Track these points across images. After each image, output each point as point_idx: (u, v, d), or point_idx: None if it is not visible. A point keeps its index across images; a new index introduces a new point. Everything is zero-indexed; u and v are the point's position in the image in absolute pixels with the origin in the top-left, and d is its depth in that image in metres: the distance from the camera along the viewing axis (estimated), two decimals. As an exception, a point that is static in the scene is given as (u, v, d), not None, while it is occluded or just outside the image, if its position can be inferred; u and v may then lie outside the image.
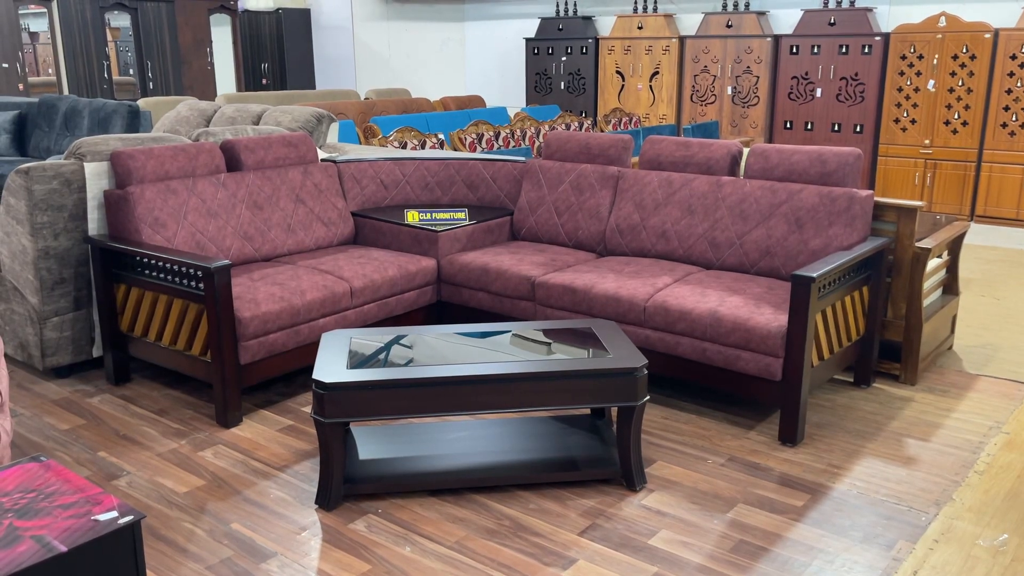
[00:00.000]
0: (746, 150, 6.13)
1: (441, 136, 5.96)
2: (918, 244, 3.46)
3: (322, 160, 4.29)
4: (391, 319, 3.79)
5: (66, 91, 9.94)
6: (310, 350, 3.42)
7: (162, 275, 3.28)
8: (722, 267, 3.63)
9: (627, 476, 2.72)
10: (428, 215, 4.12)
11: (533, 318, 3.66)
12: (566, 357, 2.74)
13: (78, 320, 3.56)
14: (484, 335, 2.97)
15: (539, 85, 9.60)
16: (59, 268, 3.47)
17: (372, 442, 2.92)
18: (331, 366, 2.62)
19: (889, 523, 2.53)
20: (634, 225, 3.87)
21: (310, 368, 3.68)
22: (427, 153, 4.74)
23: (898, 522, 2.53)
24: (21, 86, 9.35)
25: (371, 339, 2.91)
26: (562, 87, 9.39)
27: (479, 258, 3.85)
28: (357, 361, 2.69)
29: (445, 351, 2.79)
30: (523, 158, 4.43)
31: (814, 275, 2.86)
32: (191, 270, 3.15)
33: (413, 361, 2.70)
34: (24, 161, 6.97)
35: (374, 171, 4.38)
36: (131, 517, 1.76)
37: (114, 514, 1.77)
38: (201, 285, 3.12)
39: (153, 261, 3.29)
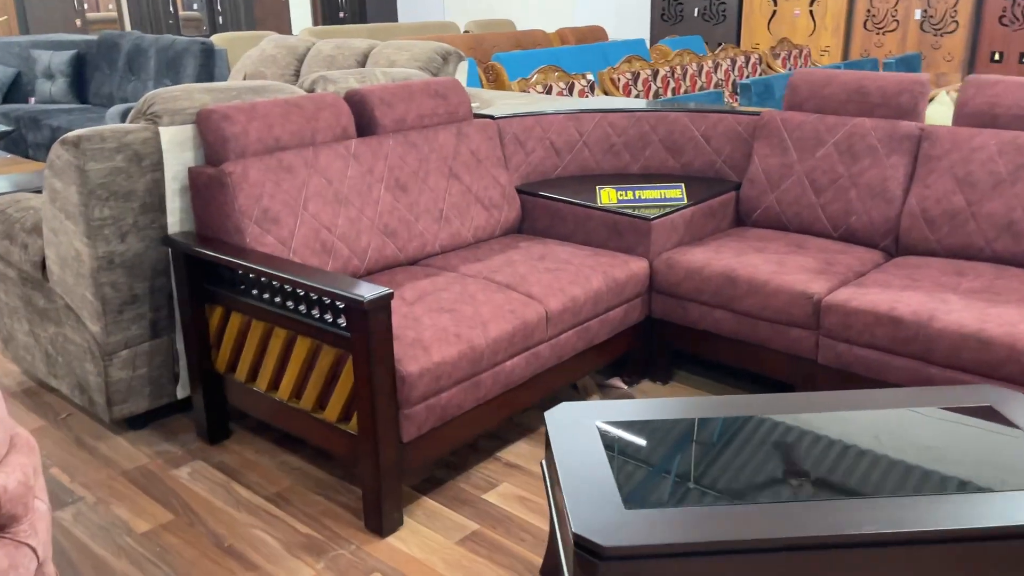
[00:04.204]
0: (951, 94, 4.67)
1: (590, 76, 4.70)
2: None
3: (475, 116, 3.11)
4: (591, 349, 2.63)
5: (128, 28, 8.90)
6: (491, 409, 2.30)
7: (278, 298, 2.18)
8: (1116, 282, 2.37)
9: None
10: (629, 193, 2.92)
11: (814, 354, 2.46)
12: (1009, 488, 1.54)
13: (157, 352, 2.50)
14: (820, 416, 1.79)
15: (667, 12, 8.16)
16: (128, 282, 2.39)
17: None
18: (593, 500, 1.48)
19: None
20: (955, 211, 2.61)
21: (488, 434, 2.52)
22: (608, 102, 3.52)
23: None
24: (79, 22, 8.32)
25: (629, 422, 1.76)
26: (696, 14, 7.94)
27: (714, 259, 2.65)
28: (636, 486, 1.54)
29: (786, 459, 1.62)
30: (756, 109, 3.17)
31: None
32: (328, 299, 2.03)
33: (741, 481, 1.54)
34: (84, 109, 5.95)
35: (542, 129, 3.19)
36: None
37: None
38: (343, 321, 2.01)
39: (264, 280, 2.19)
